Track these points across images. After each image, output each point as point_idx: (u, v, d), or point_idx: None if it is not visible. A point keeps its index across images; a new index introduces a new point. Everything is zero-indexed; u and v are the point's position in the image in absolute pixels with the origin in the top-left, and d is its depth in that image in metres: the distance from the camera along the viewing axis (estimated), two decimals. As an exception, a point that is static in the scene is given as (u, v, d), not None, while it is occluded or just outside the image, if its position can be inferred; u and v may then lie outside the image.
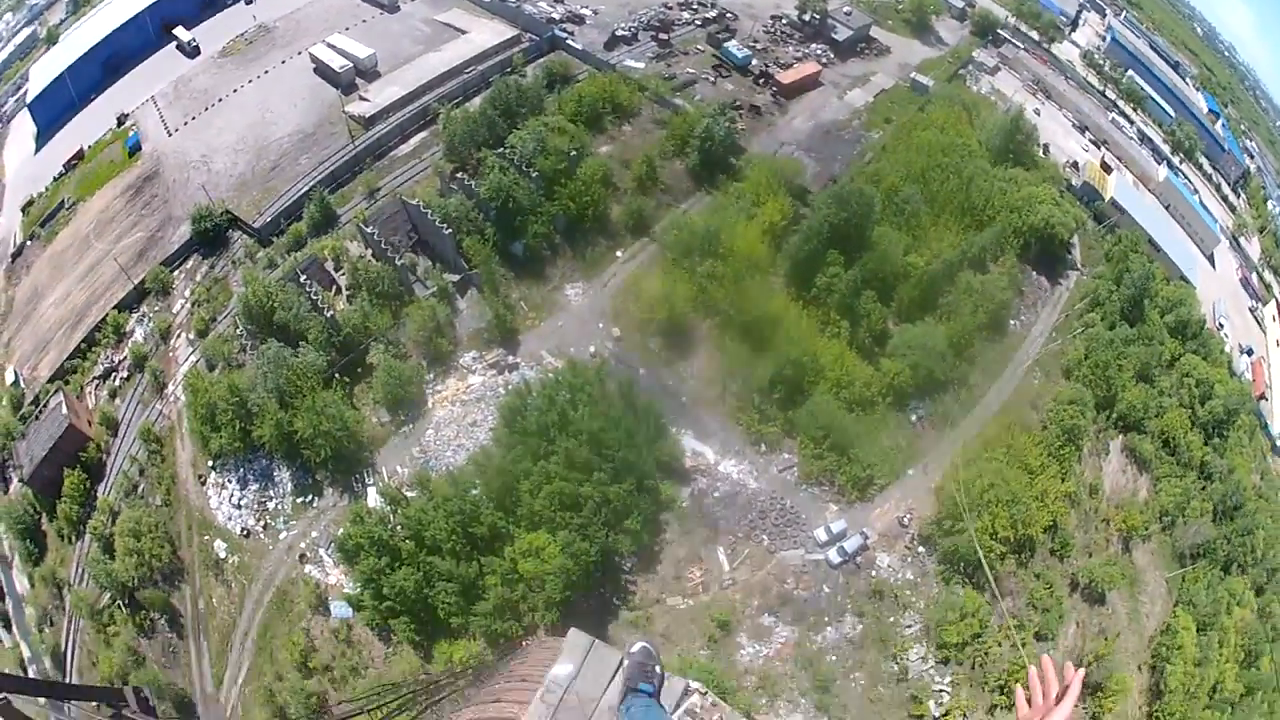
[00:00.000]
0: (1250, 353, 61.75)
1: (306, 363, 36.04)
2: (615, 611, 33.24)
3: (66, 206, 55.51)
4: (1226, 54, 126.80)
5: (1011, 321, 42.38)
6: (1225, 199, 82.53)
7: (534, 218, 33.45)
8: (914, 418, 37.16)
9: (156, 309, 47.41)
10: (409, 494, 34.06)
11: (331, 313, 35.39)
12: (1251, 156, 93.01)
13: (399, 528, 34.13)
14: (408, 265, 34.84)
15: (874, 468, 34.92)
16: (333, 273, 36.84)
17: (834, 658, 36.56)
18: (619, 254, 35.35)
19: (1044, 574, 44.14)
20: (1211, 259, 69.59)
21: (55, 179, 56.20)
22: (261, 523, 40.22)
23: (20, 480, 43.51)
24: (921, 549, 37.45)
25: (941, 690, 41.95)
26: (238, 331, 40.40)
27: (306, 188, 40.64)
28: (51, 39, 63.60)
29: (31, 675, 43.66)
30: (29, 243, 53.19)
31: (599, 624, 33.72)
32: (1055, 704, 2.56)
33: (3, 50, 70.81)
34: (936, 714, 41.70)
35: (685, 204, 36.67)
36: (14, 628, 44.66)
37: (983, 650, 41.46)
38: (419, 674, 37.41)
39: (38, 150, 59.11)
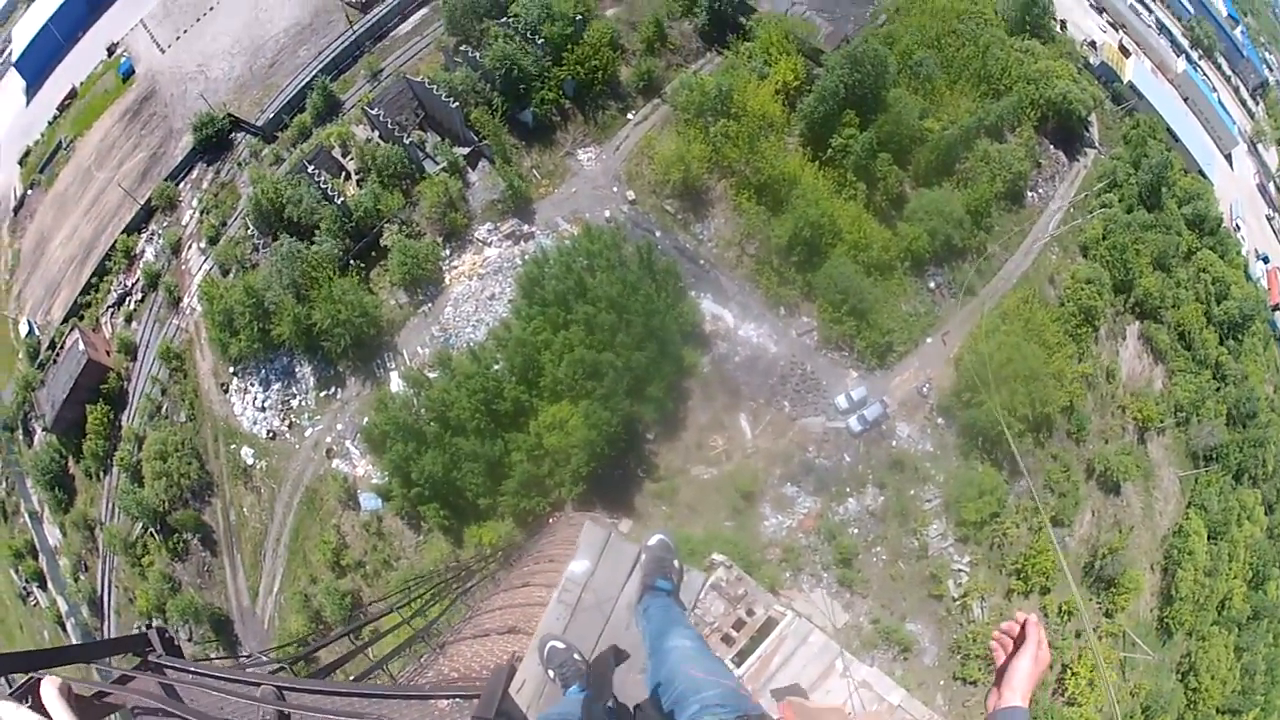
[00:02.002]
0: (1267, 260, 60.69)
1: (321, 253, 35.84)
2: (640, 483, 33.75)
3: (64, 146, 54.14)
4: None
5: (1029, 193, 41.71)
6: (1244, 103, 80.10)
7: (542, 84, 32.83)
8: (932, 284, 36.93)
9: (165, 224, 46.95)
10: (431, 375, 34.28)
11: (342, 199, 35.06)
12: (1270, 69, 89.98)
13: (423, 410, 34.40)
14: (416, 143, 34.32)
15: (893, 334, 34.84)
16: (340, 159, 36.37)
17: (856, 530, 37.13)
18: (630, 116, 34.78)
19: (1061, 455, 44.18)
20: (1229, 159, 67.77)
21: (50, 123, 54.57)
22: (286, 422, 40.63)
23: (44, 429, 43.16)
24: (940, 420, 37.65)
25: (960, 570, 42.51)
26: (249, 232, 40.15)
27: (308, 79, 39.95)
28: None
29: (70, 627, 44.05)
30: (30, 192, 51.34)
31: (624, 497, 34.28)
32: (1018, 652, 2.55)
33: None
34: (955, 594, 42.36)
35: (695, 65, 35.92)
36: (49, 584, 44.36)
37: (1001, 531, 41.82)
38: (449, 561, 38.16)
39: (29, 103, 57.40)
